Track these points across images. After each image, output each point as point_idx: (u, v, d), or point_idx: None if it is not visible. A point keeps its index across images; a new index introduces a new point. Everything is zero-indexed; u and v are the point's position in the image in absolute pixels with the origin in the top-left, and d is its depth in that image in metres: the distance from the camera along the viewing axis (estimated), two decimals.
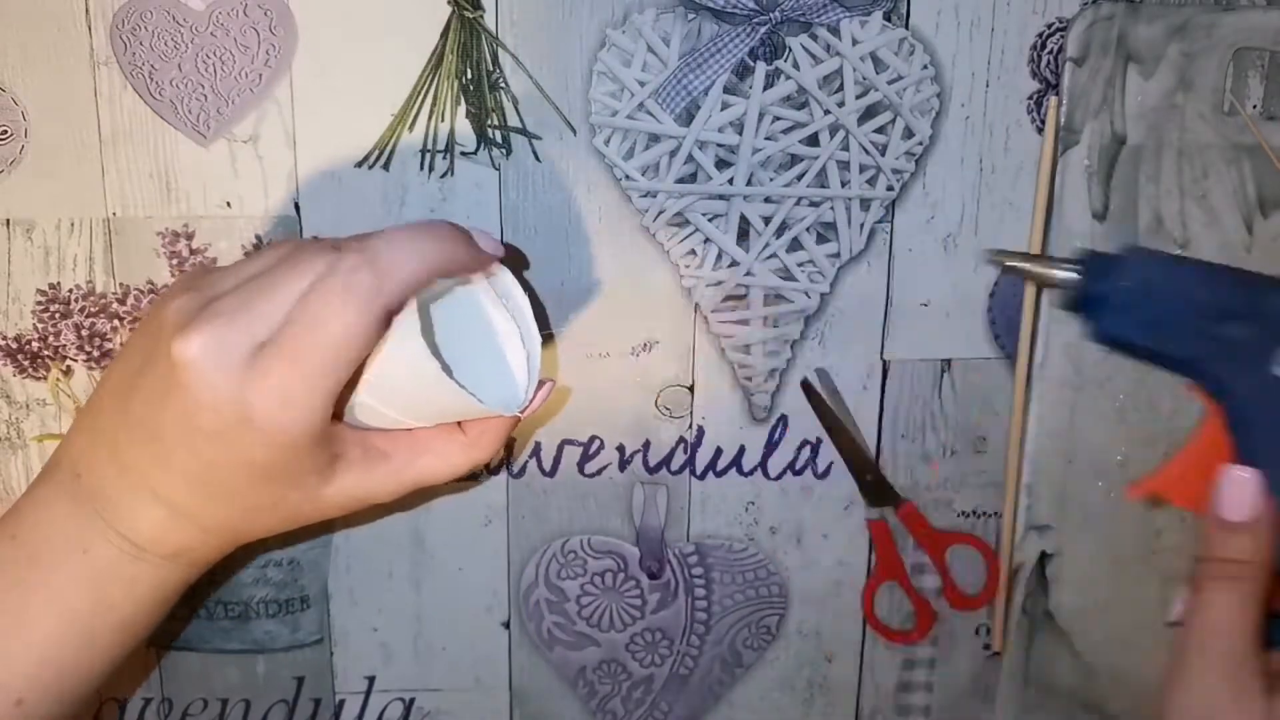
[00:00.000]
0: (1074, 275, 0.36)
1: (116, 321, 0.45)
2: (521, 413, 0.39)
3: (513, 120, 0.45)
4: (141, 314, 0.45)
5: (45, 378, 0.45)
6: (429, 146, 0.45)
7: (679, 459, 0.49)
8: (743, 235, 0.46)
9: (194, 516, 0.36)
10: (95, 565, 0.36)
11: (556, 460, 0.48)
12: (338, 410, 0.36)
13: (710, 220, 0.46)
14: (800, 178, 0.46)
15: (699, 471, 0.49)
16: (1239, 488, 0.34)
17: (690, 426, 0.48)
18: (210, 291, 0.35)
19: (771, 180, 0.46)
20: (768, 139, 0.45)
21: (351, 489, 0.38)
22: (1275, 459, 0.35)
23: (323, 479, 0.37)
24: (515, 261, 0.45)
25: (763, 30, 0.45)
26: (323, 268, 0.34)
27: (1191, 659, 0.33)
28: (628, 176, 0.45)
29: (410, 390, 0.37)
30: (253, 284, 0.34)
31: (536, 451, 0.48)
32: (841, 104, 0.45)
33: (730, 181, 0.46)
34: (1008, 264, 0.37)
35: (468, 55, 0.44)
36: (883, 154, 0.46)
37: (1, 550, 0.36)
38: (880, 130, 0.46)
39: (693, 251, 0.47)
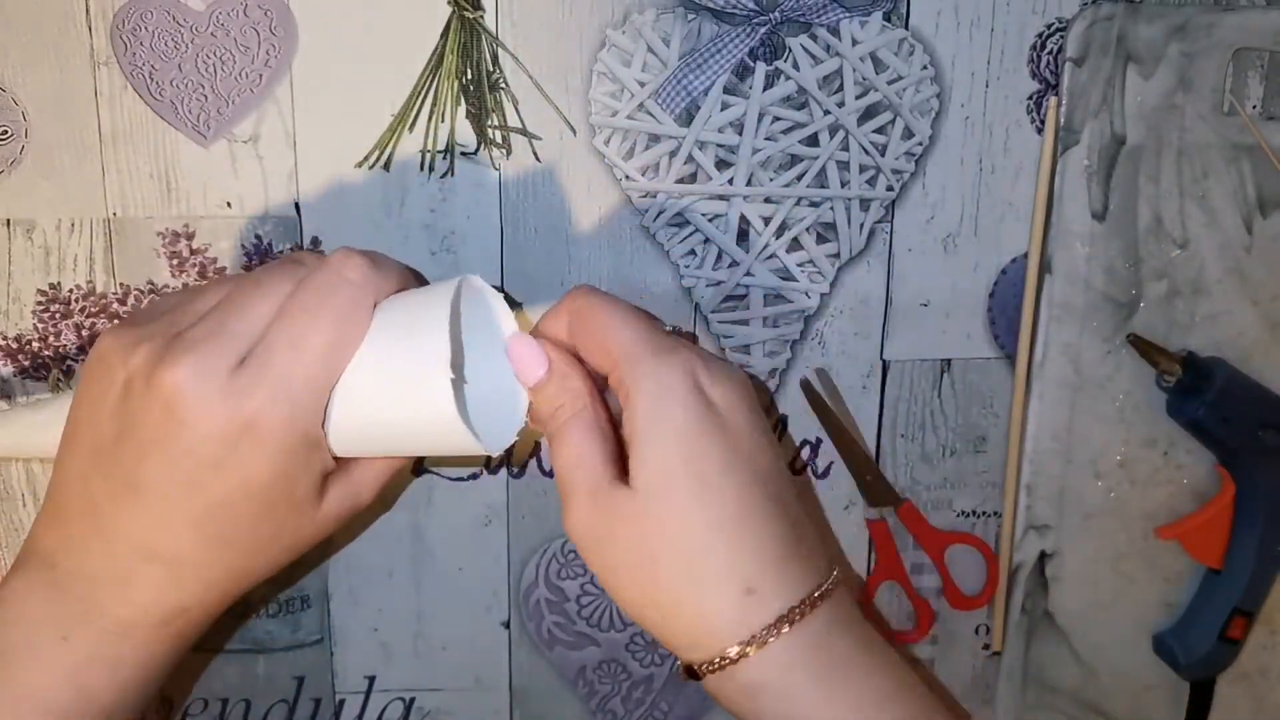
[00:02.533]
0: (1178, 368, 0.47)
1: (117, 322, 0.45)
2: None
3: (513, 120, 0.45)
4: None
5: (45, 378, 0.45)
6: (429, 147, 0.45)
7: None
8: (743, 235, 0.47)
9: (195, 567, 0.35)
10: (75, 654, 0.35)
11: None
12: None
13: (710, 220, 0.46)
14: (800, 178, 0.46)
15: None
16: (524, 351, 0.37)
17: None
18: (167, 330, 0.34)
19: (771, 180, 0.46)
20: (768, 139, 0.46)
21: (342, 498, 0.37)
22: (1267, 527, 0.48)
23: (318, 494, 0.36)
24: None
25: (763, 30, 0.45)
26: (290, 285, 0.34)
27: (567, 498, 0.36)
28: (628, 176, 0.45)
29: (395, 414, 0.36)
30: (219, 310, 0.34)
31: (536, 451, 0.48)
32: (841, 104, 0.45)
33: (730, 182, 0.46)
34: (1134, 341, 0.47)
35: (468, 55, 0.44)
36: (882, 154, 0.46)
37: None
38: (880, 130, 0.46)
39: (693, 251, 0.47)
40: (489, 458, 0.48)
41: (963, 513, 0.50)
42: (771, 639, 0.33)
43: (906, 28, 0.45)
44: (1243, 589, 0.48)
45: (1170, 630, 0.50)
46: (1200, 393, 0.47)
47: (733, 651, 0.33)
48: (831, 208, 0.46)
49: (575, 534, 0.35)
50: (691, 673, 0.35)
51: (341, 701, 0.50)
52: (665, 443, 0.34)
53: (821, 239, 0.47)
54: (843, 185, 0.46)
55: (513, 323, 0.38)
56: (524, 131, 0.45)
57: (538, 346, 0.37)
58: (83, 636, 0.35)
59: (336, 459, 0.37)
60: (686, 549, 0.34)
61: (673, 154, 0.45)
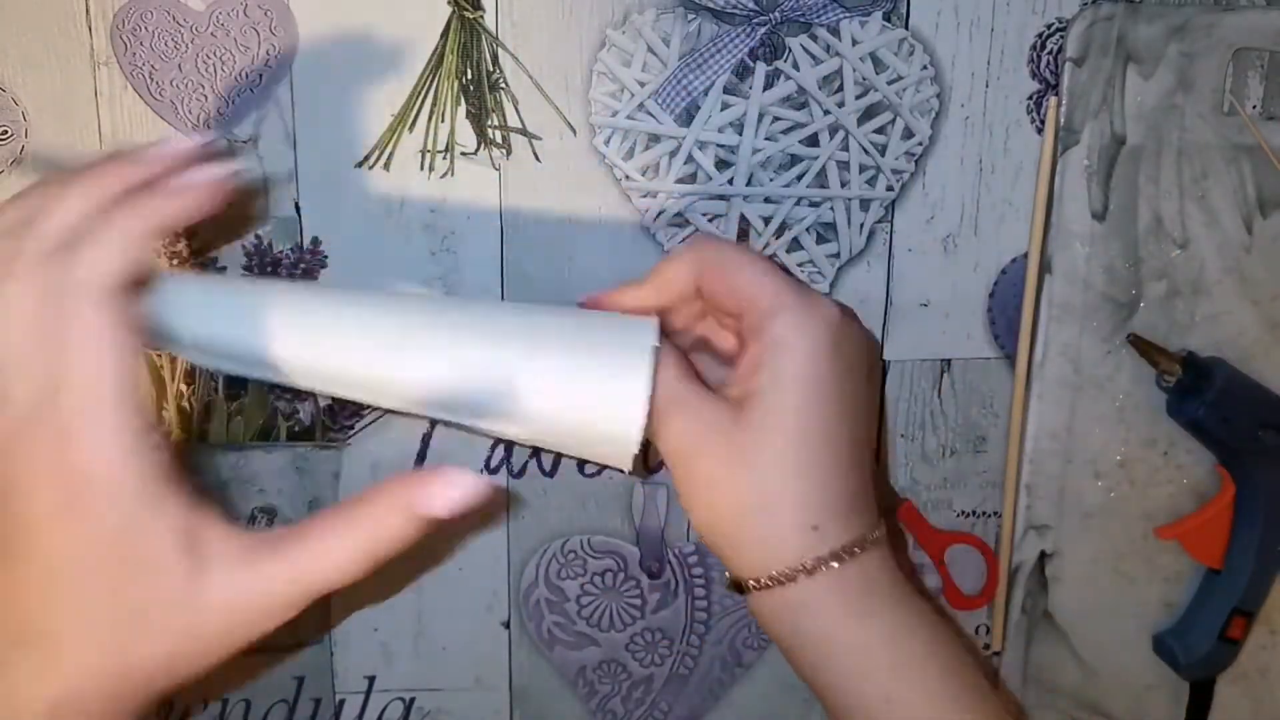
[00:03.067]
0: (1178, 368, 0.47)
1: None
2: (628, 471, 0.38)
3: (513, 120, 0.45)
4: None
5: None
6: (429, 147, 0.45)
7: None
8: (743, 235, 0.47)
9: (61, 644, 0.30)
10: None
11: (556, 460, 0.48)
12: None
13: (710, 220, 0.46)
14: (800, 178, 0.46)
15: None
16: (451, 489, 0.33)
17: None
18: None
19: (771, 180, 0.46)
20: (768, 139, 0.46)
21: (236, 592, 0.31)
22: (1267, 527, 0.48)
23: (191, 574, 0.30)
24: None
25: (762, 31, 0.45)
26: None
27: (671, 404, 0.38)
28: (628, 176, 0.45)
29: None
30: None
31: (537, 451, 0.48)
32: (841, 104, 0.45)
33: (730, 182, 0.46)
34: (1134, 341, 0.48)
35: (468, 55, 0.44)
36: (882, 154, 0.46)
37: None
38: (880, 130, 0.46)
39: None
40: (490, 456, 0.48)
41: (963, 513, 0.50)
42: (821, 569, 0.37)
43: (906, 28, 0.45)
44: (1242, 589, 0.48)
45: (1170, 630, 0.50)
46: (1200, 393, 0.47)
47: (785, 573, 0.37)
48: (831, 208, 0.46)
49: (675, 442, 0.38)
50: (738, 586, 0.39)
51: (341, 701, 0.50)
52: (790, 389, 0.37)
53: (821, 239, 0.47)
54: (843, 185, 0.46)
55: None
56: (524, 131, 0.45)
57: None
58: None
59: (238, 544, 0.31)
60: (773, 483, 0.37)
61: (673, 154, 0.45)
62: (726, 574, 0.40)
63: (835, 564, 0.37)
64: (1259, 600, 0.49)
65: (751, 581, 0.38)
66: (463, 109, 0.44)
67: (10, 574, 0.30)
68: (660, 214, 0.46)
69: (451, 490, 0.32)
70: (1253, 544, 0.48)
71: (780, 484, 0.37)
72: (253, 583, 0.32)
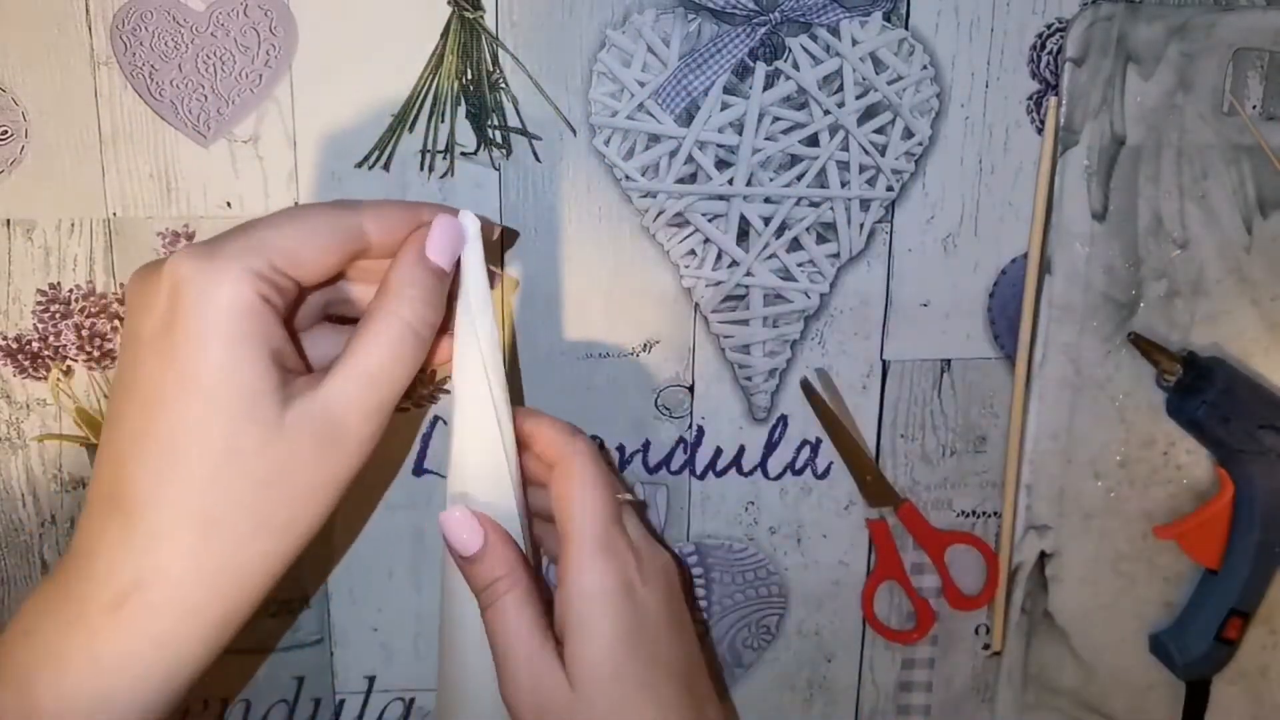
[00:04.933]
0: (1179, 367, 0.47)
1: (117, 321, 0.45)
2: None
3: (513, 120, 0.45)
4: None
5: (45, 378, 0.45)
6: (429, 147, 0.45)
7: (679, 459, 0.49)
8: (743, 235, 0.47)
9: (147, 511, 0.32)
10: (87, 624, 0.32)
11: None
12: None
13: (710, 220, 0.46)
14: (800, 178, 0.46)
15: (699, 471, 0.49)
16: (460, 528, 0.38)
17: (690, 426, 0.48)
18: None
19: (771, 180, 0.46)
20: (768, 139, 0.46)
21: (318, 414, 0.33)
22: (1265, 528, 0.48)
23: (278, 407, 0.32)
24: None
25: (762, 31, 0.45)
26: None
27: (502, 668, 0.38)
28: (628, 176, 0.45)
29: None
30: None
31: None
32: (841, 104, 0.45)
33: (730, 182, 0.46)
34: (1134, 340, 0.48)
35: (468, 55, 0.44)
36: (882, 154, 0.46)
37: None
38: (880, 130, 0.46)
39: (693, 251, 0.47)
40: None
41: (963, 513, 0.51)
42: None
43: (906, 28, 0.45)
44: (1240, 590, 0.48)
45: (1167, 630, 0.50)
46: (1200, 392, 0.47)
47: None
48: (831, 208, 0.46)
49: (512, 701, 0.38)
50: None
51: (341, 701, 0.50)
52: (596, 644, 0.37)
53: (821, 239, 0.47)
54: (843, 185, 0.46)
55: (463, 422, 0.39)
56: (524, 131, 0.45)
57: (473, 519, 0.38)
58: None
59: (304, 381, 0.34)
60: None
61: (673, 154, 0.45)
62: None
63: None
64: (1256, 601, 0.49)
65: None
66: (463, 109, 0.44)
67: (114, 435, 0.32)
68: (660, 214, 0.46)
69: (450, 228, 0.37)
70: (1251, 545, 0.48)
71: None
72: (330, 398, 0.33)
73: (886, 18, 0.45)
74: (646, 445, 0.48)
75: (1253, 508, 0.48)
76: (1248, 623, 0.49)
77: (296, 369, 0.35)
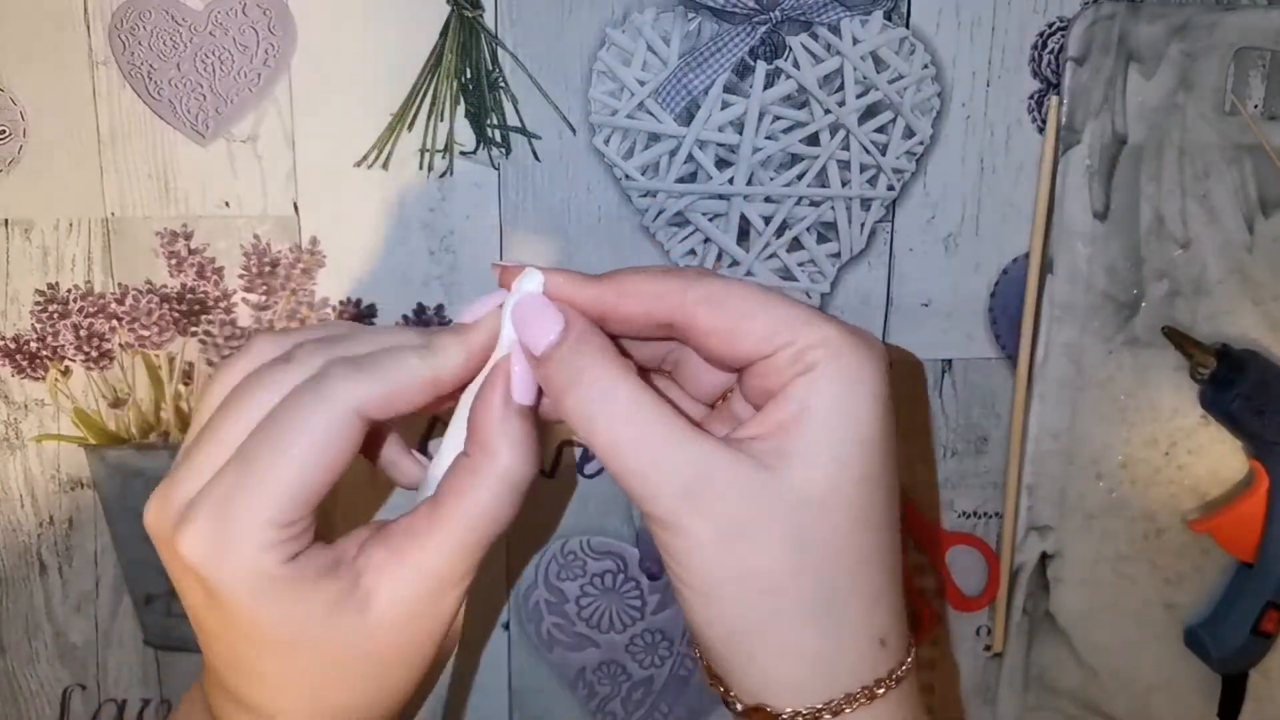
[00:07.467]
0: (1212, 360, 0.47)
1: (115, 322, 0.45)
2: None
3: (512, 120, 0.45)
4: None
5: (44, 378, 0.45)
6: (428, 146, 0.44)
7: None
8: (743, 235, 0.46)
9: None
10: None
11: (556, 460, 0.48)
12: None
13: (710, 220, 0.46)
14: (800, 177, 0.46)
15: None
16: (532, 308, 0.32)
17: None
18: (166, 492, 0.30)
19: (772, 180, 0.46)
20: (768, 138, 0.45)
21: (400, 598, 0.30)
22: None
23: (359, 610, 0.29)
24: None
25: (763, 29, 0.44)
26: (269, 395, 0.29)
27: (628, 445, 0.29)
28: (628, 176, 0.45)
29: None
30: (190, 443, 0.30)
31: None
32: (842, 103, 0.45)
33: (730, 181, 0.46)
34: (1169, 334, 0.48)
35: (467, 55, 0.44)
36: (883, 153, 0.46)
37: None
38: (881, 130, 0.46)
39: (693, 251, 0.46)
40: None
41: (964, 513, 0.50)
42: (880, 696, 0.28)
43: (907, 26, 0.45)
44: (1277, 582, 0.48)
45: (1202, 623, 0.50)
46: (1234, 385, 0.47)
47: (835, 702, 0.28)
48: (832, 207, 0.46)
49: (652, 475, 0.28)
50: (752, 714, 0.28)
51: None
52: (846, 449, 0.27)
53: (822, 238, 0.47)
54: (843, 184, 0.46)
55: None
56: (523, 131, 0.45)
57: (549, 303, 0.32)
58: None
59: (384, 548, 0.30)
60: (838, 578, 0.28)
61: (673, 153, 0.45)
62: (733, 704, 0.29)
63: (894, 688, 0.28)
64: None
65: (786, 712, 0.28)
66: (462, 108, 0.44)
67: (218, 643, 0.30)
68: (660, 214, 0.46)
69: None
70: None
71: (847, 581, 0.28)
72: (411, 576, 0.30)
73: (887, 16, 0.45)
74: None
75: None
76: None
77: (356, 551, 0.30)
